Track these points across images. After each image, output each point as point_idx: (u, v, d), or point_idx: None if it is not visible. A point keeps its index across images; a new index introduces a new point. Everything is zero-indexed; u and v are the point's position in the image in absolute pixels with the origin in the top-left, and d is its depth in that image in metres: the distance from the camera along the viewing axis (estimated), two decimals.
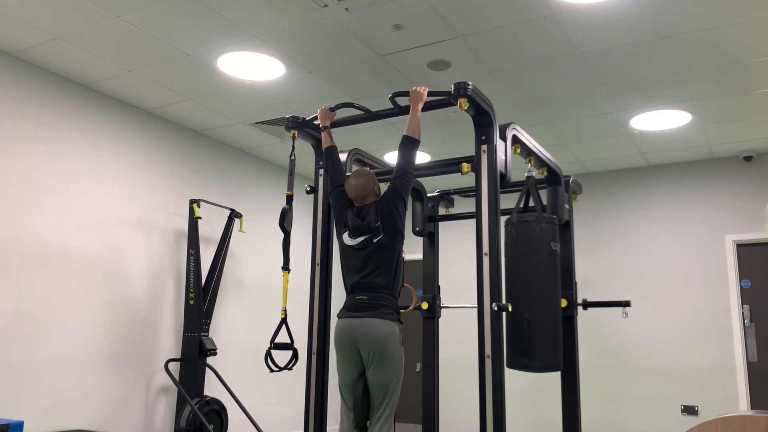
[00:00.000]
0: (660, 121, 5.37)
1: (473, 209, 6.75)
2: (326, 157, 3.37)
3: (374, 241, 3.02)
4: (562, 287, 4.22)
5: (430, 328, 4.43)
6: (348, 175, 3.32)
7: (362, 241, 3.04)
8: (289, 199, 3.40)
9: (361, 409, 2.94)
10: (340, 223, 3.16)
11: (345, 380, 3.01)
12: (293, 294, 6.89)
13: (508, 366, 3.45)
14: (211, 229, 5.98)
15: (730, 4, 3.62)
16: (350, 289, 3.08)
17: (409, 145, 3.09)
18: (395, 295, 3.04)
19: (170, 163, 5.65)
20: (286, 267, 3.35)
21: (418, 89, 3.14)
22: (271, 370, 3.23)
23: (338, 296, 7.29)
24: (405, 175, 3.06)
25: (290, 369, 3.27)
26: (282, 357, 6.59)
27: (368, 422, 2.97)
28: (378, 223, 3.02)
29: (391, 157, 6.49)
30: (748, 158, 6.15)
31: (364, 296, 2.99)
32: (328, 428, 7.00)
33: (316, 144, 3.68)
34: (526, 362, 3.38)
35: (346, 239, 3.10)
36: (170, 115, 5.57)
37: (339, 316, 3.05)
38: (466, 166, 3.25)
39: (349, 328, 2.95)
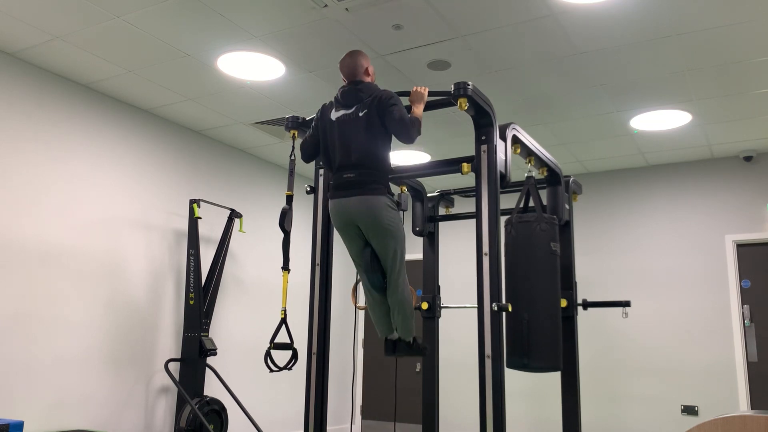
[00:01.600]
0: (660, 121, 5.37)
1: (473, 209, 6.75)
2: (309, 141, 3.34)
3: (360, 114, 3.00)
4: (562, 287, 4.22)
5: (430, 328, 4.43)
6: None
7: (350, 113, 3.02)
8: (289, 199, 3.40)
9: (372, 271, 3.12)
10: (322, 116, 3.13)
11: (352, 251, 3.17)
12: (293, 294, 6.89)
13: (508, 366, 3.45)
14: (211, 229, 5.98)
15: (730, 4, 3.62)
16: (336, 168, 3.06)
17: (409, 130, 2.95)
18: (384, 169, 3.03)
19: (170, 163, 5.65)
20: (286, 267, 3.35)
21: (418, 89, 3.14)
22: (271, 370, 3.24)
23: (338, 296, 7.30)
24: (406, 119, 2.95)
25: (290, 369, 3.28)
26: (282, 357, 6.59)
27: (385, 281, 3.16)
28: (369, 98, 3.00)
29: (391, 157, 6.48)
30: (748, 158, 6.15)
31: (351, 174, 3.00)
32: (328, 428, 7.00)
33: None
34: (526, 362, 3.38)
35: (333, 115, 3.08)
36: (170, 115, 5.57)
37: (330, 196, 3.07)
38: (466, 166, 3.25)
39: (343, 208, 3.01)
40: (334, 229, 3.34)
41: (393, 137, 3.07)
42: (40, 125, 4.63)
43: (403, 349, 3.26)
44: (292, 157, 3.49)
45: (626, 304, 4.26)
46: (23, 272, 4.41)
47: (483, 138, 3.19)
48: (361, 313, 7.72)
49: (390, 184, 3.13)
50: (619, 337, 6.43)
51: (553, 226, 3.58)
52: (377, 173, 2.99)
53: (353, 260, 3.22)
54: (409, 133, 2.93)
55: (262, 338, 6.44)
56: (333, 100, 3.17)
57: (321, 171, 3.62)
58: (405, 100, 3.24)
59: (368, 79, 3.14)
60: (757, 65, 4.37)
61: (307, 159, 3.29)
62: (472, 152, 6.24)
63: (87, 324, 4.79)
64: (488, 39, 4.10)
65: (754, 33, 3.94)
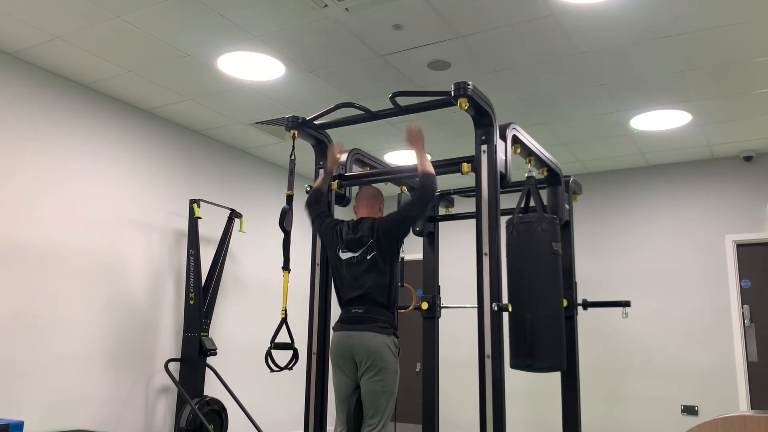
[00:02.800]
0: (660, 121, 5.37)
1: (473, 209, 6.75)
2: (314, 194, 3.41)
3: (368, 257, 3.03)
4: (563, 287, 4.21)
5: (430, 328, 4.43)
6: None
7: (356, 256, 3.06)
8: (290, 199, 3.40)
9: (354, 421, 2.97)
10: (333, 240, 3.18)
11: (340, 392, 3.04)
12: (293, 294, 6.89)
13: (512, 367, 3.45)
14: (211, 229, 5.98)
15: (730, 4, 3.62)
16: (345, 303, 3.09)
17: (429, 182, 3.06)
18: (392, 310, 3.04)
19: (170, 163, 5.65)
20: (286, 267, 3.35)
21: (412, 131, 3.18)
22: (272, 370, 3.23)
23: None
24: (417, 212, 3.05)
25: (290, 369, 3.27)
26: (283, 357, 6.59)
27: None
28: (372, 240, 3.04)
29: (391, 157, 6.49)
30: (748, 158, 6.15)
31: (360, 309, 3.01)
32: (328, 428, 7.00)
33: (317, 144, 3.68)
34: (530, 363, 3.38)
35: (340, 254, 3.12)
36: (170, 115, 5.57)
37: (335, 328, 3.07)
38: (466, 166, 3.24)
39: (346, 339, 2.98)
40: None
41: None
42: (40, 125, 4.63)
43: None
44: (292, 157, 3.49)
45: (626, 304, 4.26)
46: (23, 272, 4.41)
47: (483, 138, 3.19)
48: None
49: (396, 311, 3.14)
50: (619, 337, 6.43)
51: (554, 226, 3.57)
52: (385, 312, 3.01)
53: (335, 394, 3.08)
54: (431, 193, 3.06)
55: (262, 338, 6.44)
56: (344, 225, 3.20)
57: (321, 171, 3.62)
58: (405, 100, 3.23)
59: (374, 217, 3.21)
60: (757, 65, 4.36)
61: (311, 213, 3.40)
62: (472, 152, 6.22)
63: (87, 324, 4.79)
64: (488, 39, 4.10)
65: (754, 33, 3.94)
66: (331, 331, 3.17)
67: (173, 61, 4.51)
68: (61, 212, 4.71)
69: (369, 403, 2.94)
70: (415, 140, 3.18)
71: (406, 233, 3.09)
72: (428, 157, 3.22)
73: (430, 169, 3.11)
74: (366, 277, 3.03)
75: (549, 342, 3.38)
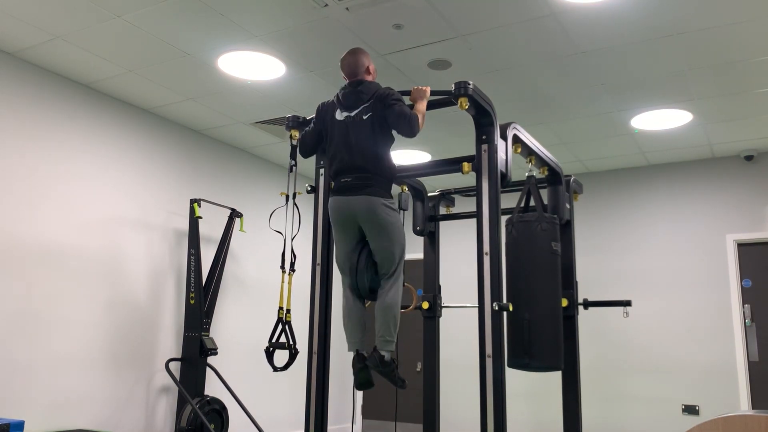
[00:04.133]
0: (661, 120, 5.36)
1: (474, 209, 6.74)
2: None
3: (365, 117, 2.99)
4: (563, 287, 4.21)
5: (431, 327, 4.43)
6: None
7: (353, 115, 3.01)
8: (288, 198, 3.40)
9: (358, 278, 3.03)
10: (328, 110, 3.12)
11: (343, 251, 3.08)
12: (293, 294, 6.88)
13: (509, 366, 3.44)
14: (211, 228, 5.98)
15: (730, 4, 3.62)
16: (338, 169, 3.04)
17: (413, 125, 2.95)
18: (384, 174, 3.00)
19: (171, 162, 5.65)
20: (283, 267, 3.35)
21: (420, 87, 3.14)
22: (275, 369, 3.23)
23: (339, 296, 7.26)
24: (407, 113, 2.94)
25: (284, 369, 3.27)
26: (284, 357, 6.59)
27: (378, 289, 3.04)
28: (370, 101, 2.99)
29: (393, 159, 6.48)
30: (748, 158, 6.15)
31: (350, 177, 2.98)
32: (329, 428, 7.00)
33: None
34: (527, 362, 3.38)
35: (338, 114, 3.06)
36: (170, 115, 5.56)
37: (331, 195, 3.06)
38: (466, 166, 3.24)
39: (345, 204, 2.98)
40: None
41: (396, 135, 3.06)
42: (40, 125, 4.63)
43: (375, 363, 2.95)
44: (293, 163, 3.48)
45: (627, 303, 4.26)
46: (24, 272, 4.41)
47: (484, 137, 3.18)
48: None
49: (391, 185, 3.11)
50: (619, 337, 6.43)
51: (554, 225, 3.57)
52: (377, 177, 2.98)
53: (338, 262, 3.14)
54: (410, 126, 2.92)
55: (263, 338, 6.43)
56: (334, 99, 3.16)
57: (321, 171, 3.62)
58: (406, 100, 3.23)
59: (369, 78, 3.14)
60: (757, 65, 4.36)
61: (306, 154, 3.29)
62: (472, 152, 6.21)
63: (87, 324, 4.79)
64: (489, 38, 4.10)
65: (754, 33, 3.93)
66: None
67: (173, 61, 4.51)
68: (62, 212, 4.71)
69: (382, 259, 3.01)
70: (417, 95, 3.11)
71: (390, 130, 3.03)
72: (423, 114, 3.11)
73: (420, 120, 2.99)
74: (363, 140, 2.97)
75: (547, 342, 3.38)
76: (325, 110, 3.17)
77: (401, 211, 3.35)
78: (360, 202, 2.96)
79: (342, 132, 3.04)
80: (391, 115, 2.95)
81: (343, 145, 3.02)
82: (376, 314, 3.02)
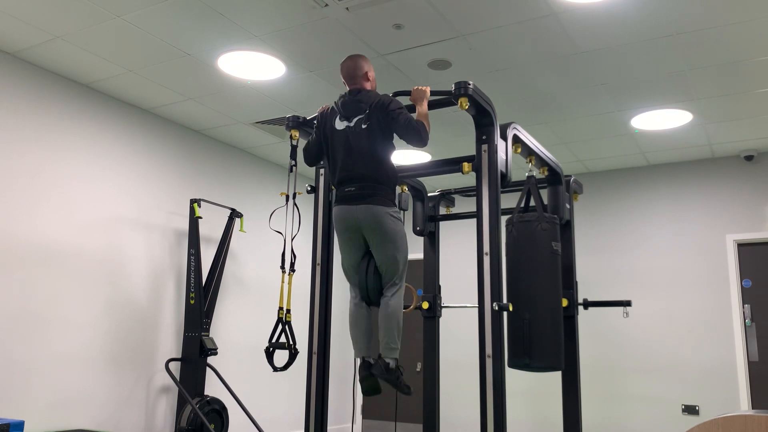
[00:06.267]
0: (661, 120, 5.37)
1: (474, 209, 6.74)
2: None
3: (363, 126, 2.99)
4: (563, 287, 4.21)
5: (431, 327, 4.43)
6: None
7: (352, 125, 3.01)
8: (288, 198, 3.39)
9: (366, 286, 3.07)
10: (329, 118, 3.12)
11: (350, 262, 3.11)
12: (294, 294, 6.89)
13: (510, 366, 3.44)
14: (211, 228, 5.98)
15: (730, 4, 3.62)
16: (338, 182, 3.05)
17: (422, 135, 2.95)
18: (387, 182, 3.01)
19: (171, 162, 5.65)
20: (284, 267, 3.35)
21: (420, 87, 3.14)
22: (275, 369, 3.24)
23: (339, 296, 7.30)
24: (408, 137, 2.95)
25: (284, 369, 3.28)
26: (284, 357, 6.59)
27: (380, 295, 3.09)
28: (368, 111, 2.99)
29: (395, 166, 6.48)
30: (749, 158, 6.15)
31: (353, 187, 2.99)
32: (329, 428, 7.00)
33: None
34: (527, 362, 3.38)
35: (337, 124, 3.07)
36: (170, 115, 5.57)
37: (335, 204, 3.08)
38: (466, 166, 3.24)
39: (349, 213, 2.99)
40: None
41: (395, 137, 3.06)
42: (40, 125, 4.63)
43: (381, 371, 2.95)
44: (293, 163, 3.48)
45: (627, 303, 4.26)
46: (24, 272, 4.41)
47: (484, 137, 3.18)
48: None
49: (395, 193, 3.11)
50: (619, 337, 6.43)
51: (554, 225, 3.57)
52: (380, 186, 2.99)
53: (345, 269, 3.16)
54: (419, 137, 2.94)
55: (263, 338, 6.44)
56: (333, 106, 3.16)
57: (321, 171, 3.62)
58: (405, 100, 3.23)
59: (368, 85, 3.13)
60: (757, 65, 4.36)
61: (310, 163, 3.30)
62: (472, 152, 6.21)
63: (87, 324, 4.79)
64: (489, 38, 4.10)
65: (754, 33, 3.93)
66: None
67: (173, 61, 4.51)
68: (62, 212, 4.71)
69: (385, 268, 3.03)
70: (417, 96, 3.10)
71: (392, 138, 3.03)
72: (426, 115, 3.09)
73: (423, 126, 2.96)
74: (362, 150, 2.97)
75: (547, 342, 3.38)
76: (325, 119, 3.17)
77: (401, 211, 3.36)
78: (364, 212, 2.97)
79: (343, 141, 3.04)
80: (397, 127, 2.97)
81: (344, 155, 3.03)
82: (380, 322, 3.04)
